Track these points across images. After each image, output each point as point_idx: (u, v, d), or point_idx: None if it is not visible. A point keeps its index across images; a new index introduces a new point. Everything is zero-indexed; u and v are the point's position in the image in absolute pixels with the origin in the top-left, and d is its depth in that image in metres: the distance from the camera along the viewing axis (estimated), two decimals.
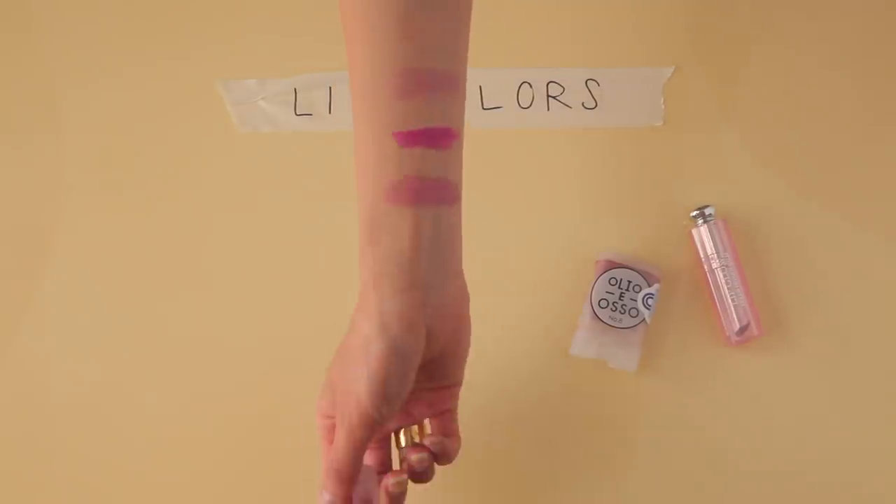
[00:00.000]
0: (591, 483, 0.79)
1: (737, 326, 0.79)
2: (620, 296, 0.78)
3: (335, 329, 0.82)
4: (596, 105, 0.86)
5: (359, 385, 0.61)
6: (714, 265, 0.80)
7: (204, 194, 0.85)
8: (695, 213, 0.81)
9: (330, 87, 0.87)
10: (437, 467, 0.67)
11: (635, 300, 0.78)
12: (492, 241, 0.83)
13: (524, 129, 0.86)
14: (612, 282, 0.79)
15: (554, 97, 0.87)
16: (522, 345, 0.81)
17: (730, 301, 0.79)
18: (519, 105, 0.86)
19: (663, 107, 0.86)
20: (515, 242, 0.83)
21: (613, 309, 0.78)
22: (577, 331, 0.79)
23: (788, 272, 0.82)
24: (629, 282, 0.79)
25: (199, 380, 0.81)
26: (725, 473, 0.79)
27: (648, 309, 0.78)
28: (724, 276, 0.80)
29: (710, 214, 0.81)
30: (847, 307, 0.81)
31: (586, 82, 0.87)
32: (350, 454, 0.62)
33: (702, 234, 0.81)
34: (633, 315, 0.78)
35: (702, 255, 0.81)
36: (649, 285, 0.79)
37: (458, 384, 0.68)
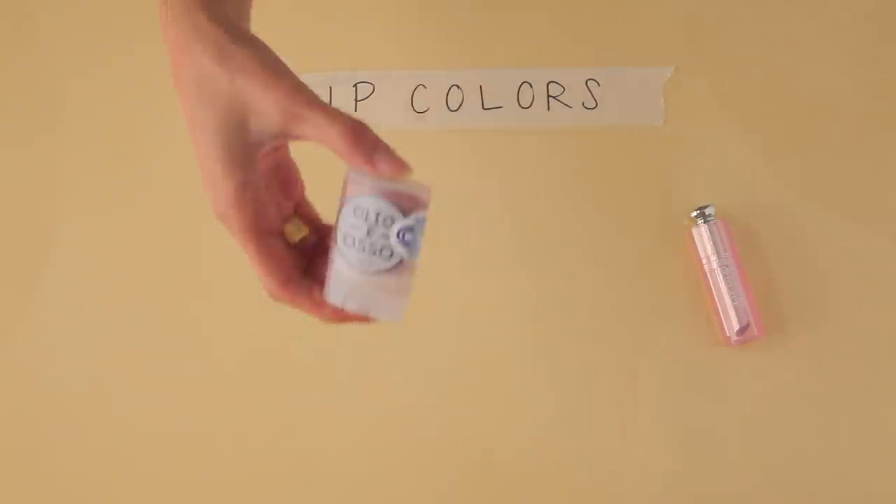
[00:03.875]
0: (592, 483, 0.79)
1: (737, 326, 0.79)
2: (368, 231, 0.57)
3: (335, 329, 0.83)
4: (596, 105, 0.86)
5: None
6: (714, 265, 0.80)
7: (204, 194, 0.85)
8: (695, 213, 0.81)
9: (330, 87, 0.87)
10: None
11: (388, 237, 0.57)
12: (492, 241, 0.83)
13: (524, 129, 0.86)
14: (358, 213, 0.58)
15: (554, 97, 0.87)
16: (521, 345, 0.81)
17: (730, 301, 0.79)
18: (519, 105, 0.86)
19: (663, 107, 0.86)
20: (516, 242, 0.83)
21: (362, 249, 0.57)
22: (328, 273, 0.59)
23: (788, 272, 0.82)
24: (377, 214, 0.57)
25: (199, 379, 0.81)
26: (725, 473, 0.79)
27: (406, 246, 0.57)
28: (724, 275, 0.80)
29: (710, 214, 0.81)
30: (847, 307, 0.81)
31: (586, 82, 0.87)
32: (255, 260, 0.59)
33: (702, 234, 0.81)
34: (387, 256, 0.57)
35: (702, 255, 0.81)
36: (404, 216, 0.57)
37: (284, 135, 0.62)
